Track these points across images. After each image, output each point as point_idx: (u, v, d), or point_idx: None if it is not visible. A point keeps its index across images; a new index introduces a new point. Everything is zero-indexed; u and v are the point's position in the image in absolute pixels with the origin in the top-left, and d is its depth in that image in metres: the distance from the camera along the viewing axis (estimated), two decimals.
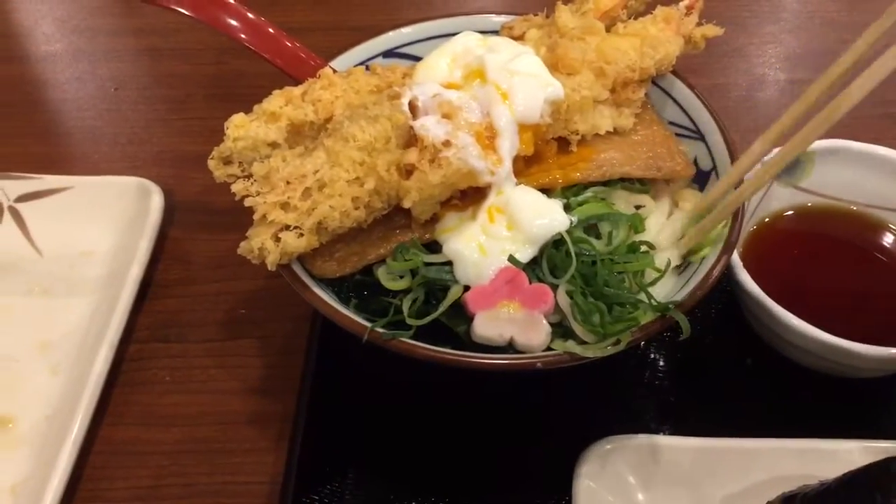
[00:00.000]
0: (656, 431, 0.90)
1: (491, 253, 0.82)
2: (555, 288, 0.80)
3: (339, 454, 0.94)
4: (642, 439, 0.87)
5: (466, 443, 0.94)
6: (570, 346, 0.78)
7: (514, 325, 0.79)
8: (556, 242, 0.82)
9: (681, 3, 0.99)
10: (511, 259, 0.81)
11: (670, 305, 0.79)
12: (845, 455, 0.85)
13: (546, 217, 0.83)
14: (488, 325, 0.79)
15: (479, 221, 0.84)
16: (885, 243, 1.00)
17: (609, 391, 0.97)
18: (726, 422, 0.93)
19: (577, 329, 0.79)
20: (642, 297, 0.80)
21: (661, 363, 1.00)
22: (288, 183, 0.79)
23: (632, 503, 0.86)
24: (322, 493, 0.91)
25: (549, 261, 0.81)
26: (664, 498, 0.86)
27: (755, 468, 0.86)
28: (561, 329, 0.81)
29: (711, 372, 0.99)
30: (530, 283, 0.81)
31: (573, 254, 0.80)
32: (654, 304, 0.79)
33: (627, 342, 0.77)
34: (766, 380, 0.97)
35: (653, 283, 0.82)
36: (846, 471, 0.75)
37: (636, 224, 0.87)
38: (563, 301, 0.80)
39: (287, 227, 0.80)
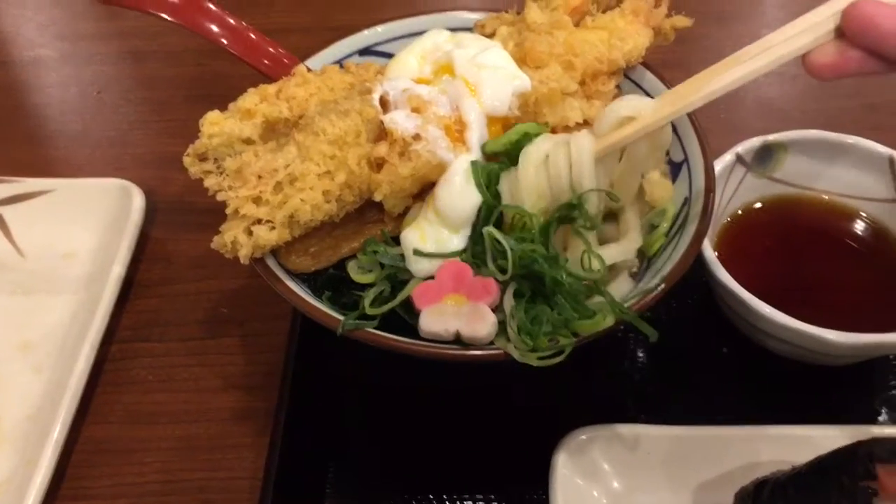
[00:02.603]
0: (632, 420, 0.90)
1: (429, 240, 0.82)
2: (505, 284, 0.79)
3: (320, 449, 0.95)
4: (618, 429, 0.88)
5: (444, 436, 0.95)
6: (510, 348, 0.76)
7: (460, 319, 0.77)
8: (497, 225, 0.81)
9: None
10: (431, 255, 0.80)
11: (627, 309, 0.76)
12: (818, 441, 0.85)
13: (466, 201, 0.81)
14: (433, 320, 0.78)
15: (423, 207, 0.84)
16: (857, 231, 1.01)
17: (584, 381, 0.97)
18: (702, 410, 0.94)
19: (512, 337, 0.77)
20: (596, 300, 0.79)
21: (637, 352, 1.01)
22: (259, 177, 0.80)
23: (608, 491, 0.86)
24: (303, 487, 0.91)
25: (492, 251, 0.80)
26: (640, 485, 0.87)
27: (730, 455, 0.87)
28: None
29: (687, 361, 0.99)
30: (475, 275, 0.80)
31: (507, 247, 0.78)
32: (612, 306, 0.77)
33: (569, 353, 0.76)
34: (742, 368, 0.98)
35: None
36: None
37: None
38: (507, 303, 0.78)
39: (259, 221, 0.81)
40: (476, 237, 0.82)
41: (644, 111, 0.82)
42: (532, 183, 0.81)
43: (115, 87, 1.41)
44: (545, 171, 0.82)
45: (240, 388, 1.02)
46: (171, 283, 1.12)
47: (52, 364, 1.02)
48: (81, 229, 1.14)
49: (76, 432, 0.97)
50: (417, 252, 0.81)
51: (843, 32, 0.73)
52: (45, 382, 1.00)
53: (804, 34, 0.76)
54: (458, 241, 0.82)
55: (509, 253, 0.78)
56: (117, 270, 1.07)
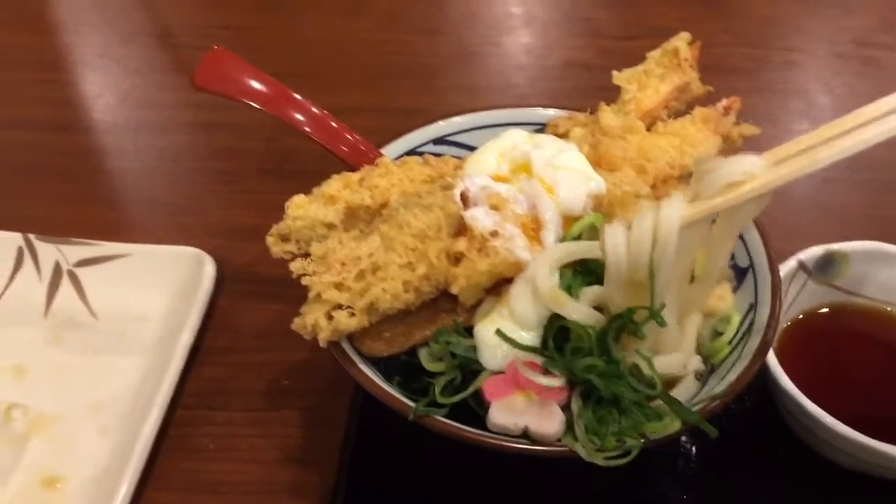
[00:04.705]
0: None
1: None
2: (572, 385, 0.81)
3: None
4: None
5: None
6: (578, 447, 0.78)
7: (529, 414, 0.80)
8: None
9: (719, 105, 1.04)
10: (505, 339, 0.82)
11: (694, 412, 0.79)
12: None
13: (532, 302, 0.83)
14: (503, 414, 0.80)
15: (498, 304, 0.87)
16: None
17: (640, 478, 0.97)
18: None
19: (579, 436, 0.79)
20: (661, 405, 0.80)
21: (694, 452, 1.01)
22: (343, 264, 0.84)
23: None
24: None
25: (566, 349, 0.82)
26: None
27: None
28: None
29: (745, 465, 0.99)
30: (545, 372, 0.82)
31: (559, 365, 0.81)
32: (678, 411, 0.79)
33: (636, 454, 0.77)
34: (798, 475, 0.98)
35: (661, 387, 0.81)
36: None
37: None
38: (575, 403, 0.81)
39: (340, 307, 0.84)
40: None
41: (757, 172, 0.74)
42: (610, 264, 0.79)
43: (190, 156, 1.47)
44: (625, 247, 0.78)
45: (298, 461, 1.03)
46: (236, 352, 1.15)
47: (119, 426, 1.04)
48: (153, 294, 1.18)
49: (139, 496, 0.98)
50: (500, 334, 0.83)
51: None
52: (112, 444, 1.03)
53: None
54: (530, 339, 0.84)
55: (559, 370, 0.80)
56: (186, 337, 1.10)
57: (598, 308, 0.84)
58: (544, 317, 0.83)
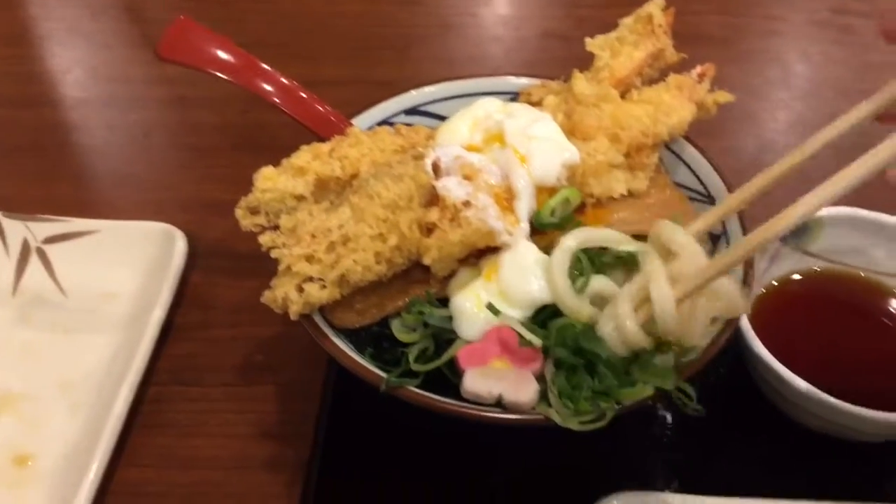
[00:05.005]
0: (663, 488, 0.91)
1: (486, 309, 0.84)
2: (546, 350, 0.81)
3: (351, 501, 0.96)
4: (651, 496, 0.88)
5: (476, 495, 0.96)
6: (552, 413, 0.78)
7: (504, 383, 0.79)
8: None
9: (693, 71, 1.03)
10: (494, 313, 0.82)
11: (669, 376, 0.79)
12: None
13: (533, 284, 0.84)
14: (477, 381, 0.80)
15: (480, 277, 0.86)
16: (892, 309, 1.02)
17: (617, 446, 0.98)
18: (733, 481, 0.94)
19: (553, 402, 0.79)
20: (637, 371, 0.80)
21: (669, 419, 1.02)
22: (313, 236, 0.82)
23: None
24: None
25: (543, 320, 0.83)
26: None
27: None
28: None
29: (719, 431, 1.00)
30: (521, 343, 0.81)
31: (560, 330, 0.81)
32: (652, 374, 0.79)
33: (611, 418, 0.77)
34: (774, 441, 0.98)
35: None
36: None
37: None
38: (548, 371, 0.81)
39: (311, 279, 0.83)
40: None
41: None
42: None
43: (161, 132, 1.44)
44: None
45: (273, 436, 1.03)
46: (209, 328, 1.14)
47: (90, 404, 1.03)
48: (123, 271, 1.16)
49: (111, 473, 0.97)
50: (491, 308, 0.83)
51: None
52: (83, 422, 1.02)
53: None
54: (515, 314, 0.83)
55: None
56: (158, 313, 1.08)
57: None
58: (542, 302, 0.83)
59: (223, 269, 1.20)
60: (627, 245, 0.86)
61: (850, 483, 0.94)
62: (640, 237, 0.88)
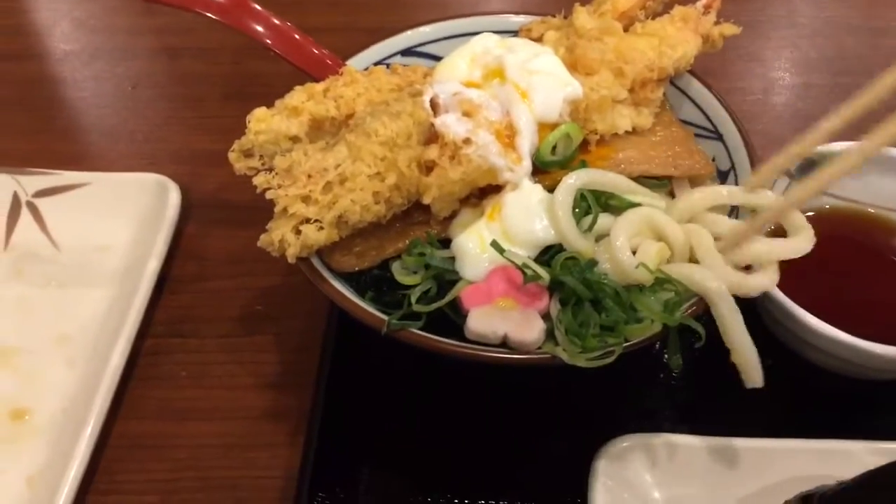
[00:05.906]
0: (672, 430, 0.89)
1: (489, 249, 0.81)
2: (552, 288, 0.79)
3: (355, 449, 0.94)
4: (659, 438, 0.87)
5: (481, 439, 0.94)
6: (559, 351, 0.76)
7: (509, 322, 0.77)
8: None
9: (698, 3, 0.99)
10: (499, 251, 0.80)
11: (678, 313, 0.77)
12: (862, 456, 0.85)
13: (537, 224, 0.82)
14: (481, 321, 0.78)
15: (483, 217, 0.84)
16: None
17: (625, 388, 0.97)
18: (743, 421, 0.93)
19: (560, 339, 0.77)
20: (643, 307, 0.78)
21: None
22: (309, 176, 0.80)
23: (648, 501, 0.86)
24: (337, 487, 0.91)
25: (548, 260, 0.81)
26: (680, 496, 0.86)
27: (772, 468, 0.86)
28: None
29: (728, 371, 0.98)
30: (526, 280, 0.79)
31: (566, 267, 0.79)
32: (661, 313, 0.77)
33: (619, 354, 0.76)
34: (784, 380, 0.96)
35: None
36: (862, 471, 0.75)
37: None
38: (554, 308, 0.79)
39: (307, 221, 0.80)
40: None
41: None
42: None
43: (150, 83, 1.41)
44: None
45: (274, 385, 1.01)
46: (206, 280, 1.12)
47: (86, 357, 1.02)
48: (116, 223, 1.14)
49: (109, 426, 0.96)
50: (495, 245, 0.81)
51: None
52: (80, 376, 1.00)
53: None
54: (520, 253, 0.81)
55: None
56: (153, 265, 1.06)
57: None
58: (547, 242, 0.81)
59: (217, 220, 1.18)
60: (634, 196, 0.84)
61: (859, 422, 0.93)
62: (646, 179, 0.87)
